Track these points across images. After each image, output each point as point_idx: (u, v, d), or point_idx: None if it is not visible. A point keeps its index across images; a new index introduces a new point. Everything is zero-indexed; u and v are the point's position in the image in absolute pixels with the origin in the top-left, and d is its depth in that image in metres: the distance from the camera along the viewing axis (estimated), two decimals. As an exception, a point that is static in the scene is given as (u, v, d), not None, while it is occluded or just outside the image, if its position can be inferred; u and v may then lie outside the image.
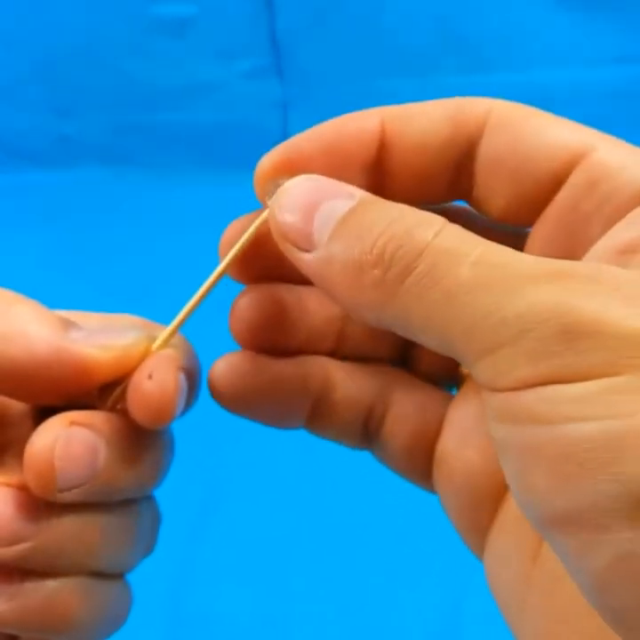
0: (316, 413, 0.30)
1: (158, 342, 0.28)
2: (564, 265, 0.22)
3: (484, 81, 1.04)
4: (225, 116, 1.08)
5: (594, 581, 0.20)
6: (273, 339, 0.29)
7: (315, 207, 0.25)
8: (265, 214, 0.28)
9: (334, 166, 0.28)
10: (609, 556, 0.20)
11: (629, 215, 0.25)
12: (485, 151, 0.28)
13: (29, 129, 1.09)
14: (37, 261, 0.98)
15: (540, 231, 0.28)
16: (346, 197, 0.25)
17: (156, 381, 0.27)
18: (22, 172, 1.09)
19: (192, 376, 0.29)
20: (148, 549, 0.31)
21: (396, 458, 0.31)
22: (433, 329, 0.22)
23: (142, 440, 0.28)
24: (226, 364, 0.29)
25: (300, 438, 0.82)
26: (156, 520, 0.31)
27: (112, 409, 0.28)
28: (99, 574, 0.29)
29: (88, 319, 0.30)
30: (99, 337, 0.27)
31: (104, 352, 0.27)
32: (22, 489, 0.27)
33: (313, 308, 0.30)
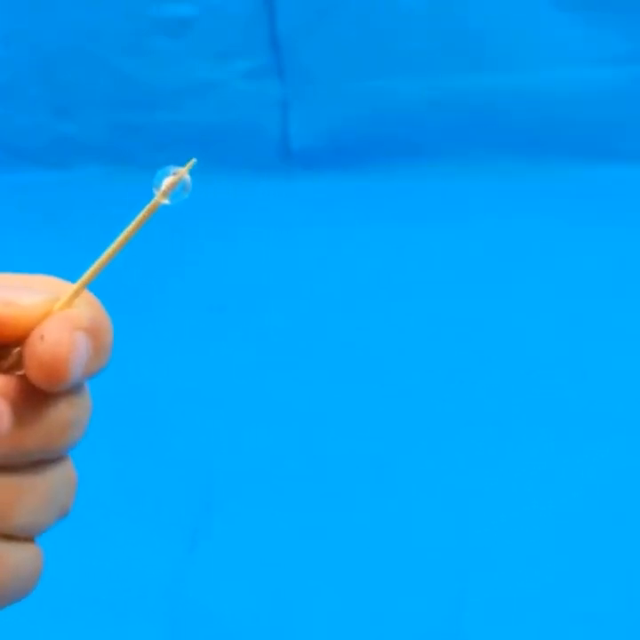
0: None
1: (60, 303, 0.27)
2: None
3: (484, 81, 1.04)
4: (225, 116, 1.08)
5: None
6: None
7: None
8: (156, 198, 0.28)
9: None
10: None
11: None
12: None
13: (29, 129, 1.09)
14: (36, 260, 0.97)
15: None
16: None
17: (48, 342, 0.26)
18: (22, 171, 1.09)
19: (97, 335, 0.28)
20: (63, 512, 0.30)
21: None
22: None
23: (47, 401, 0.27)
24: None
25: (300, 438, 0.82)
26: (72, 482, 0.30)
27: (10, 370, 0.27)
28: (9, 537, 0.28)
29: (2, 279, 0.29)
30: (3, 291, 0.27)
31: (4, 307, 0.26)
32: None
33: None
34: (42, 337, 0.26)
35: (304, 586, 0.69)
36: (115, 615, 0.67)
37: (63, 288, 0.29)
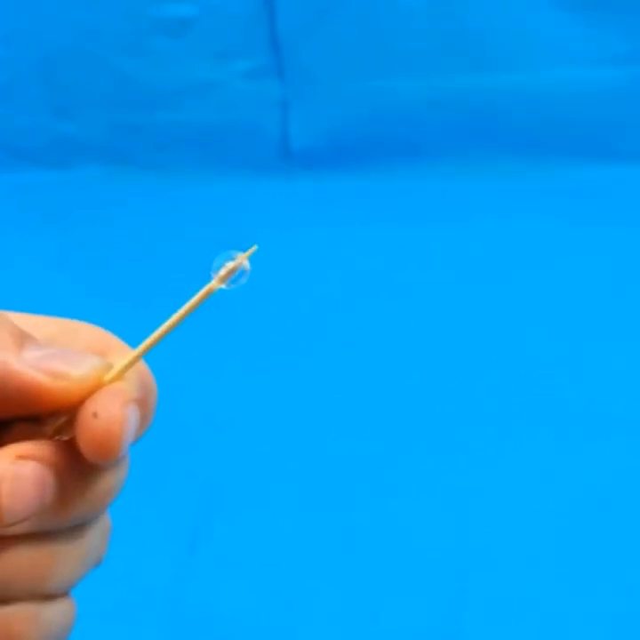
0: None
1: (112, 373, 0.27)
2: None
3: (484, 81, 1.04)
4: (225, 116, 1.08)
5: None
6: None
7: None
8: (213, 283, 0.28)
9: None
10: None
11: None
12: None
13: (29, 128, 1.09)
14: (36, 260, 0.97)
15: None
16: None
17: (102, 420, 0.26)
18: (22, 171, 1.09)
19: (145, 405, 0.28)
20: (97, 562, 0.30)
21: None
22: None
23: (91, 470, 0.27)
24: None
25: (301, 439, 0.82)
26: (106, 532, 0.30)
27: (53, 437, 0.27)
28: (48, 596, 0.28)
29: (45, 326, 0.29)
30: (53, 361, 0.27)
31: (55, 380, 0.26)
32: None
33: None
34: (95, 414, 0.26)
35: (305, 586, 0.69)
36: (115, 615, 0.67)
37: (109, 342, 0.29)
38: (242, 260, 0.28)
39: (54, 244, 1.00)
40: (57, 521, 0.27)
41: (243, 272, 0.28)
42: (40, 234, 1.02)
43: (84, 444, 0.26)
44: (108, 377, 0.27)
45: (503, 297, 0.91)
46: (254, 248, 0.28)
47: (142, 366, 0.29)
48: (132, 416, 0.27)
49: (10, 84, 1.08)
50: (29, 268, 0.96)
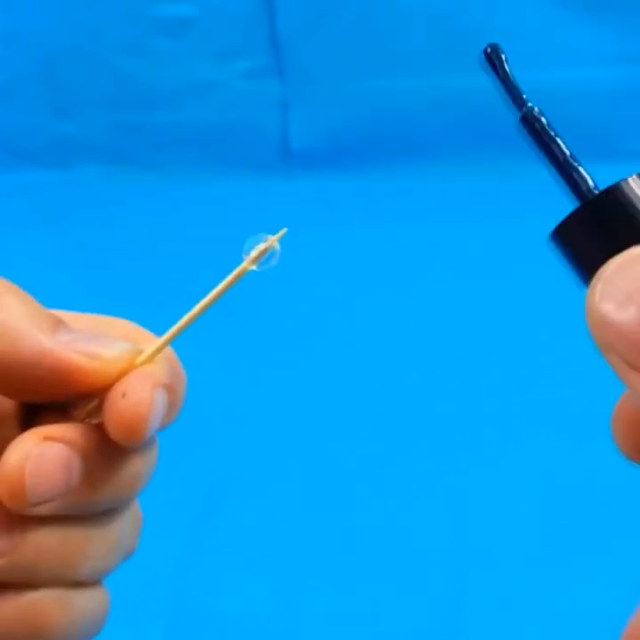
0: None
1: (142, 357, 0.28)
2: None
3: (484, 81, 1.04)
4: (225, 116, 1.08)
5: None
6: None
7: None
8: (245, 263, 0.28)
9: None
10: None
11: None
12: None
13: (29, 128, 1.09)
14: (36, 260, 0.97)
15: None
16: None
17: (130, 400, 0.26)
18: (21, 171, 1.09)
19: (174, 391, 0.29)
20: (129, 553, 0.30)
21: None
22: None
23: (119, 453, 0.28)
24: None
25: (302, 437, 0.82)
26: (137, 522, 0.31)
27: (86, 419, 0.28)
28: (78, 583, 0.28)
29: (80, 320, 0.30)
30: (87, 343, 0.27)
31: (89, 361, 0.27)
32: None
33: None
34: (124, 394, 0.26)
35: (305, 585, 0.69)
36: (116, 614, 0.67)
37: (141, 335, 0.29)
38: (272, 241, 0.28)
39: (54, 243, 1.00)
40: (85, 504, 0.27)
41: (273, 253, 0.28)
42: (40, 234, 1.02)
43: (112, 424, 0.26)
44: (139, 360, 0.28)
45: (503, 297, 0.91)
46: (285, 230, 0.28)
47: (172, 354, 0.29)
48: (159, 399, 0.27)
49: (10, 84, 1.08)
50: (29, 268, 0.96)
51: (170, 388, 0.28)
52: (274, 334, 0.89)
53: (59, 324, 0.27)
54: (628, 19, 1.02)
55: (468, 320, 0.89)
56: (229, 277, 0.28)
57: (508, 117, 1.05)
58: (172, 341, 0.28)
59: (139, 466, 0.28)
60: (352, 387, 0.83)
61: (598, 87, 1.04)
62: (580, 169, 0.23)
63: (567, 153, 0.23)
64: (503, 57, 0.24)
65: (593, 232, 0.20)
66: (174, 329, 0.28)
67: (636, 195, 0.21)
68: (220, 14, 1.04)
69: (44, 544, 0.27)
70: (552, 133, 0.23)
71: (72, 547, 0.28)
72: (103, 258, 0.97)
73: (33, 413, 0.28)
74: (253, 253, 0.28)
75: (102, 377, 0.27)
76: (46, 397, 0.27)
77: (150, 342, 0.28)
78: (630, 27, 1.02)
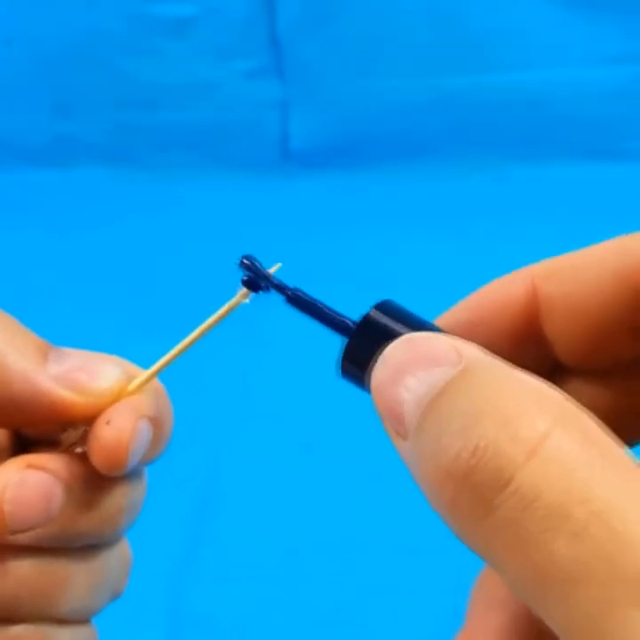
0: None
1: (132, 386, 0.28)
2: None
3: (484, 81, 1.04)
4: (225, 116, 1.08)
5: None
6: None
7: (402, 380, 0.21)
8: (241, 292, 0.28)
9: (479, 341, 0.22)
10: None
11: None
12: None
13: (29, 128, 1.09)
14: (37, 260, 0.98)
15: None
16: (446, 365, 0.21)
17: (113, 428, 0.26)
18: (21, 170, 1.09)
19: (160, 425, 0.28)
20: (117, 593, 0.30)
21: None
22: (518, 577, 0.18)
23: (104, 485, 0.28)
24: None
25: (302, 437, 0.82)
26: (126, 562, 0.30)
27: (68, 450, 0.28)
28: (62, 621, 0.28)
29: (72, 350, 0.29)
30: (77, 375, 0.27)
31: (78, 396, 0.27)
32: None
33: None
34: (108, 422, 0.27)
35: (305, 586, 0.69)
36: (114, 614, 0.67)
37: (127, 368, 0.29)
38: (269, 274, 0.28)
39: (54, 243, 1.00)
40: (67, 536, 0.27)
41: (264, 286, 0.28)
42: (40, 234, 1.02)
43: (94, 451, 0.26)
44: (129, 388, 0.28)
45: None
46: (279, 265, 0.29)
47: (160, 387, 0.29)
48: (143, 430, 0.27)
49: (10, 83, 1.08)
50: (29, 268, 0.96)
51: (155, 422, 0.28)
52: (273, 333, 0.89)
53: (48, 351, 0.27)
54: (629, 19, 1.02)
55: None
56: (221, 311, 0.28)
57: (508, 117, 1.05)
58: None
59: (122, 498, 0.28)
60: (351, 390, 0.83)
61: (598, 87, 1.04)
62: (339, 315, 0.29)
63: (327, 309, 0.30)
64: (256, 262, 0.29)
65: (365, 351, 0.25)
66: (163, 361, 0.28)
67: (382, 320, 0.28)
68: (220, 14, 1.04)
69: (23, 575, 0.27)
70: (313, 299, 0.29)
71: (52, 580, 0.27)
72: (103, 257, 0.97)
73: (26, 442, 0.28)
74: (245, 290, 0.28)
75: (91, 411, 0.27)
76: (36, 428, 0.27)
77: (138, 376, 0.28)
78: (631, 27, 1.02)
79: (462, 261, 0.96)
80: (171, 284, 0.93)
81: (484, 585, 0.27)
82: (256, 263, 0.28)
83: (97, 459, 0.26)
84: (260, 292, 0.28)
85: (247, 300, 0.28)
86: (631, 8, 1.02)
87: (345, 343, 0.27)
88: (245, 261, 0.28)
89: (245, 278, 0.27)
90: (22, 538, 0.26)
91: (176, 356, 0.28)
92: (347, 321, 0.28)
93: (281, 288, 0.28)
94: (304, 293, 0.28)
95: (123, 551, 0.30)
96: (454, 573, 0.69)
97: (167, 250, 0.99)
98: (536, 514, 0.18)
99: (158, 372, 0.28)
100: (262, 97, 1.07)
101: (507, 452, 0.18)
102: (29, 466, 0.26)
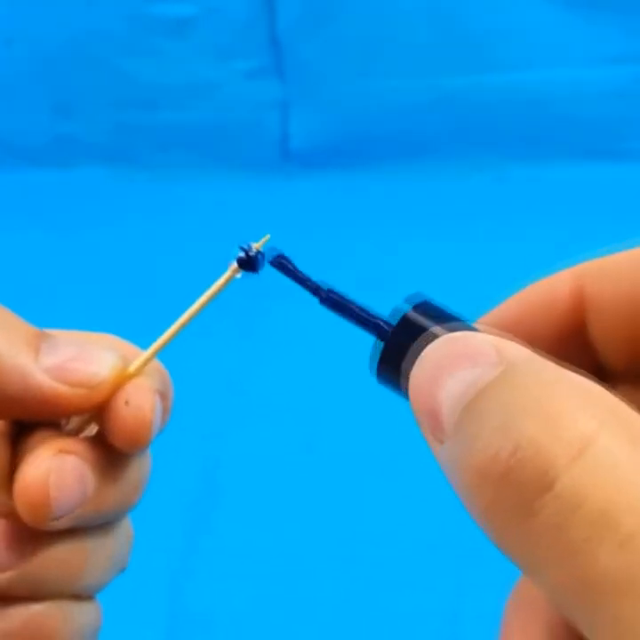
0: None
1: (134, 367, 0.28)
2: None
3: (484, 81, 1.04)
4: (225, 116, 1.08)
5: None
6: None
7: (441, 380, 0.20)
8: (232, 268, 0.28)
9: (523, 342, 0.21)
10: None
11: None
12: None
13: (29, 128, 1.09)
14: (37, 260, 0.98)
15: None
16: (486, 364, 0.20)
17: (133, 407, 0.27)
18: (21, 170, 1.09)
19: (166, 399, 0.29)
20: (122, 568, 0.31)
21: None
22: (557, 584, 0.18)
23: (122, 462, 0.28)
24: None
25: (299, 437, 0.82)
26: (130, 537, 0.31)
27: (78, 434, 0.28)
28: (78, 596, 0.29)
29: (68, 338, 0.30)
30: (72, 366, 0.27)
31: (74, 390, 0.27)
32: (6, 516, 0.27)
33: None
34: (126, 402, 0.27)
35: (304, 584, 0.69)
36: (114, 614, 0.67)
37: (128, 350, 0.29)
38: (257, 248, 0.28)
39: (54, 243, 1.00)
40: (93, 515, 0.28)
41: (258, 259, 0.28)
42: (40, 234, 1.02)
43: (117, 431, 0.27)
44: (130, 371, 0.28)
45: (503, 297, 0.91)
46: (268, 237, 0.28)
47: (159, 364, 0.30)
48: (158, 406, 0.28)
49: (10, 83, 1.08)
50: (29, 268, 0.96)
51: (163, 396, 0.29)
52: (273, 333, 0.89)
53: (41, 341, 0.27)
54: (629, 19, 1.02)
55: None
56: (214, 286, 0.28)
57: (508, 117, 1.05)
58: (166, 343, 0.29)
59: (139, 473, 0.29)
60: (352, 385, 0.83)
61: (598, 87, 1.04)
62: (372, 316, 0.28)
63: (361, 309, 0.29)
64: (288, 261, 0.28)
65: (402, 351, 0.24)
66: (161, 340, 0.28)
67: (420, 320, 0.26)
68: (220, 14, 1.04)
69: (52, 558, 0.27)
70: (348, 299, 0.29)
71: (77, 559, 0.28)
72: (103, 257, 0.98)
73: (23, 424, 0.28)
74: (236, 262, 0.28)
75: (90, 402, 0.27)
76: (34, 419, 0.28)
77: (137, 356, 0.29)
78: (631, 27, 1.02)
79: (462, 261, 0.96)
80: (171, 284, 0.93)
81: (522, 599, 0.26)
82: (289, 264, 0.28)
83: (120, 439, 0.27)
84: (252, 272, 0.28)
85: (239, 275, 0.28)
86: (631, 8, 1.02)
87: (380, 344, 0.26)
88: (280, 261, 0.27)
89: (241, 257, 0.27)
90: (62, 522, 0.27)
91: (173, 336, 0.28)
92: (380, 322, 0.27)
93: (315, 289, 0.28)
94: (338, 294, 0.28)
95: (127, 527, 0.31)
96: (454, 573, 0.69)
97: (167, 250, 0.99)
98: (581, 520, 0.17)
99: (156, 353, 0.28)
100: (262, 97, 1.07)
101: (550, 452, 0.17)
102: (61, 451, 0.27)
